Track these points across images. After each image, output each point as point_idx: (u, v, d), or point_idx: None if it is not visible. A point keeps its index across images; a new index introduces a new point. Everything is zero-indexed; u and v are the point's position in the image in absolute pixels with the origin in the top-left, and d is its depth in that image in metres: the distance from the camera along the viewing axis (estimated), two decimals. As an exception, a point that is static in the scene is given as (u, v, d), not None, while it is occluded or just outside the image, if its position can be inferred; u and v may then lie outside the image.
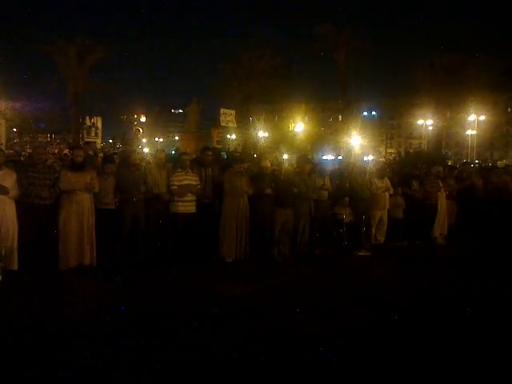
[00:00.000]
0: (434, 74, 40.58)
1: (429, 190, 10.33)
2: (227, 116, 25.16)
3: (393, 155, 44.20)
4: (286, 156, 15.12)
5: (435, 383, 4.25)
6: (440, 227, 10.64)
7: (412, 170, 11.57)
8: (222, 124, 25.10)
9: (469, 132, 50.56)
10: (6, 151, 13.21)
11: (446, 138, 52.60)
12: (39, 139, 37.45)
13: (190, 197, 8.07)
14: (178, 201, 8.02)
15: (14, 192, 6.79)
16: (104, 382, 4.04)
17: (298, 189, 8.80)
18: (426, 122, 48.79)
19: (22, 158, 13.84)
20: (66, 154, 16.32)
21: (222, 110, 25.05)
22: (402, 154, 42.18)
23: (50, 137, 44.98)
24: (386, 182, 9.98)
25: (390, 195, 10.00)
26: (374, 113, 73.62)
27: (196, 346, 4.75)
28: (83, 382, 4.03)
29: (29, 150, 23.05)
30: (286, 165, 9.86)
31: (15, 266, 6.78)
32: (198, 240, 8.06)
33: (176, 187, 8.01)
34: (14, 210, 6.84)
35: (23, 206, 6.92)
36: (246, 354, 4.58)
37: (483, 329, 5.38)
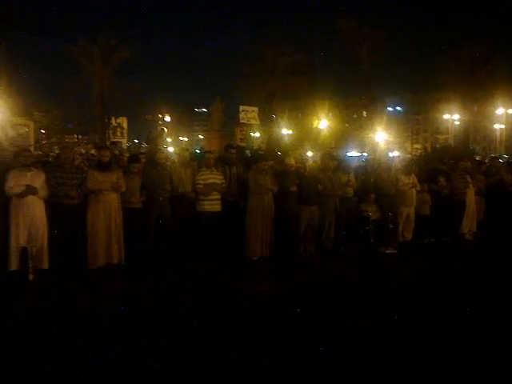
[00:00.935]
0: (460, 68, 39.79)
1: (456, 185, 10.16)
2: (248, 113, 25.08)
3: (419, 151, 43.57)
4: (310, 153, 15.05)
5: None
6: (468, 224, 10.47)
7: (438, 166, 11.38)
8: (242, 121, 25.04)
9: (497, 126, 49.50)
10: (35, 152, 13.47)
11: (473, 133, 51.52)
12: (66, 140, 37.96)
13: (215, 195, 8.11)
14: (203, 199, 8.07)
15: (43, 192, 6.93)
16: (131, 379, 4.09)
17: (322, 186, 8.76)
18: (452, 117, 47.94)
19: (50, 159, 14.07)
20: (92, 154, 16.58)
21: (241, 107, 24.98)
22: (429, 149, 41.57)
23: (77, 137, 45.63)
24: (413, 178, 9.84)
25: (417, 192, 9.87)
26: (399, 108, 72.70)
27: (222, 342, 4.77)
28: (109, 377, 4.08)
29: (57, 151, 23.44)
30: (310, 162, 9.81)
31: (46, 266, 6.92)
32: (223, 238, 8.09)
33: (201, 186, 8.05)
34: (44, 210, 6.98)
35: (52, 206, 7.05)
36: (273, 350, 4.58)
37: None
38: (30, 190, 6.77)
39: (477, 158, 20.29)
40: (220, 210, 8.18)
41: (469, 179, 10.41)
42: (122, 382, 4.04)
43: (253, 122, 24.92)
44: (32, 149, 14.27)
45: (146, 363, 4.31)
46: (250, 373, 4.21)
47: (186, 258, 7.69)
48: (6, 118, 16.58)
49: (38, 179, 6.94)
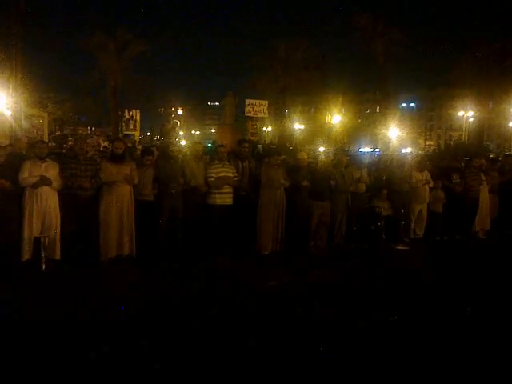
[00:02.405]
0: (475, 64, 39.32)
1: (470, 183, 10.09)
2: (256, 106, 24.87)
3: (432, 147, 43.21)
4: (322, 148, 15.02)
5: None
6: (482, 221, 10.39)
7: (452, 163, 11.30)
8: (248, 115, 24.93)
9: (512, 123, 48.93)
10: (49, 144, 13.57)
11: (487, 130, 51.00)
12: (80, 131, 38.23)
13: (226, 189, 8.11)
14: (215, 193, 8.06)
15: (56, 183, 6.98)
16: (147, 370, 4.12)
17: (334, 181, 8.73)
18: (466, 114, 47.49)
19: (63, 151, 14.19)
20: (105, 147, 16.68)
21: (247, 101, 24.83)
22: (442, 146, 41.23)
23: (90, 129, 45.89)
24: (426, 174, 9.79)
25: (431, 188, 9.81)
26: (412, 104, 72.11)
27: (232, 335, 4.79)
28: (120, 369, 4.12)
29: (70, 143, 23.55)
30: (322, 157, 9.79)
31: (58, 256, 6.98)
32: (234, 232, 8.10)
33: (213, 179, 8.05)
34: (57, 201, 7.03)
35: (66, 197, 7.10)
36: (282, 344, 4.59)
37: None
38: (44, 181, 6.83)
39: (491, 156, 20.12)
40: (231, 203, 8.17)
41: (483, 177, 10.32)
42: (128, 377, 4.07)
43: (260, 115, 24.75)
44: (45, 139, 14.39)
45: (152, 357, 4.35)
46: (258, 368, 4.22)
47: (197, 251, 7.71)
48: (21, 109, 16.70)
49: (52, 170, 7.00)
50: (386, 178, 9.60)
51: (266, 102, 26.01)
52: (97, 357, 4.25)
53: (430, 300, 6.06)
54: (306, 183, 8.41)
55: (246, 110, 24.78)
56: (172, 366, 4.18)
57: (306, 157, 8.96)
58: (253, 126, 27.30)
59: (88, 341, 4.56)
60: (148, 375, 4.04)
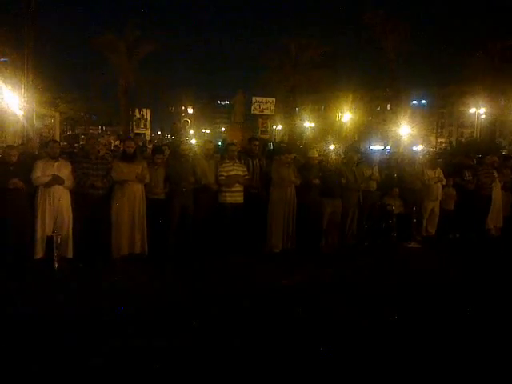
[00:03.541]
0: (487, 61, 38.97)
1: (483, 180, 10.00)
2: (262, 104, 24.70)
3: (443, 145, 42.92)
4: (332, 146, 14.97)
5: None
6: (494, 218, 10.31)
7: (464, 160, 11.20)
8: (254, 112, 24.84)
9: (525, 120, 48.32)
10: (61, 143, 13.65)
11: (499, 127, 50.47)
12: (91, 131, 38.46)
13: (237, 187, 8.10)
14: (225, 191, 8.06)
15: (69, 182, 7.03)
16: (160, 368, 4.13)
17: (345, 179, 8.69)
18: (478, 111, 47.06)
19: (75, 150, 14.28)
20: (116, 146, 16.76)
21: (254, 99, 24.70)
22: (454, 143, 40.93)
23: (102, 128, 46.15)
24: (439, 172, 9.71)
25: (443, 186, 9.73)
26: (423, 101, 71.55)
27: (243, 334, 4.79)
28: (136, 366, 4.14)
29: (82, 142, 23.71)
30: (333, 155, 9.75)
31: (70, 254, 7.04)
32: (245, 230, 8.09)
33: (224, 178, 8.05)
34: (69, 200, 7.09)
35: (78, 196, 7.15)
36: (294, 343, 4.58)
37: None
38: (57, 180, 6.89)
39: (503, 153, 19.96)
40: (242, 202, 8.16)
41: (495, 174, 10.23)
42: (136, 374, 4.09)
43: (267, 112, 24.59)
44: (57, 138, 14.47)
45: (162, 356, 4.36)
46: (268, 367, 4.22)
47: (208, 249, 7.72)
48: (33, 110, 16.80)
49: (64, 169, 7.05)
50: (397, 176, 9.54)
51: (273, 99, 25.84)
52: (106, 355, 4.28)
53: (443, 298, 6.03)
54: (316, 181, 8.37)
55: (253, 107, 24.64)
56: (185, 365, 4.20)
57: (316, 155, 8.93)
58: (263, 124, 27.23)
59: (99, 338, 4.59)
60: (159, 374, 4.06)
